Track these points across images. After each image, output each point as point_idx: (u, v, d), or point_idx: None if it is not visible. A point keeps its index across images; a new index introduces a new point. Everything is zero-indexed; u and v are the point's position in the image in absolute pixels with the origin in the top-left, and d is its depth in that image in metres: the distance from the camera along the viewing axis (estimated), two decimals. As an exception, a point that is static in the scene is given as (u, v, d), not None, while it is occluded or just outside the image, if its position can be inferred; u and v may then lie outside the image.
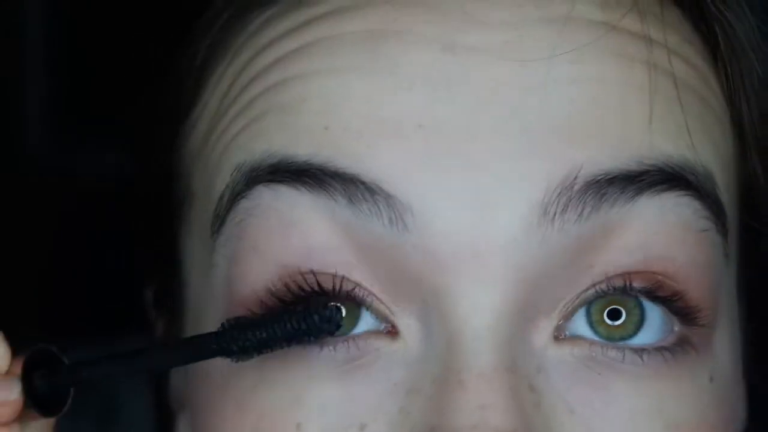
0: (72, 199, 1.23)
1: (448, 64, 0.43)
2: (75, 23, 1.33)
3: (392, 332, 0.44)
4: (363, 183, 0.43)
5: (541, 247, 0.43)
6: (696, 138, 0.45)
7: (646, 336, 0.45)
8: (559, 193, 0.43)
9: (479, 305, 0.43)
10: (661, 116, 0.45)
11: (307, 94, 0.44)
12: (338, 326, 0.43)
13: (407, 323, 0.44)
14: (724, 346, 0.47)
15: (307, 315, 0.42)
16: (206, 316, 0.47)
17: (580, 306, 0.45)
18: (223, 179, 0.46)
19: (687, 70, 0.46)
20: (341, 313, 0.44)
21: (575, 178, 0.43)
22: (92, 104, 1.23)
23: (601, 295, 0.44)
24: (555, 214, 0.43)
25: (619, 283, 0.44)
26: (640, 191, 0.44)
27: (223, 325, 0.43)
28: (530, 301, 0.43)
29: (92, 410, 0.89)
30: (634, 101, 0.44)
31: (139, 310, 0.57)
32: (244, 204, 0.45)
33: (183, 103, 0.49)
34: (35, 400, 0.44)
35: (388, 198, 0.43)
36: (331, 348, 0.44)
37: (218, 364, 0.45)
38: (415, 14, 0.44)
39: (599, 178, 0.43)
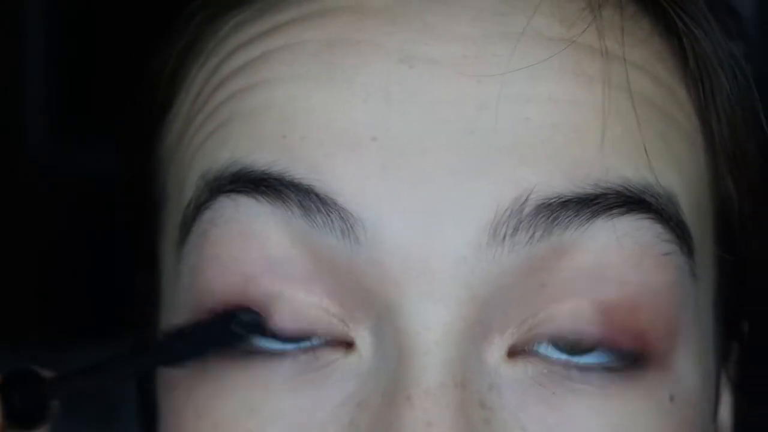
0: (72, 199, 1.23)
1: (404, 77, 0.43)
2: (75, 23, 1.33)
3: (348, 344, 0.44)
4: (317, 195, 0.43)
5: (491, 266, 0.42)
6: (657, 158, 0.45)
7: (602, 353, 0.44)
8: (509, 215, 0.42)
9: (429, 321, 0.42)
10: (620, 137, 0.44)
11: (268, 101, 0.44)
12: (262, 331, 0.43)
13: (362, 336, 0.44)
14: (688, 366, 0.46)
15: (231, 322, 0.43)
16: (174, 324, 0.47)
17: (537, 335, 0.44)
18: (189, 187, 0.46)
19: (652, 87, 0.45)
20: (263, 319, 0.44)
21: (526, 200, 0.42)
22: (92, 104, 1.24)
23: (554, 342, 0.44)
24: (505, 236, 0.42)
25: (571, 337, 0.44)
26: (595, 215, 0.43)
27: (157, 337, 0.44)
28: (481, 318, 0.43)
29: (91, 410, 0.89)
30: (591, 122, 0.43)
31: (139, 310, 0.58)
32: (207, 215, 0.45)
33: (159, 104, 0.49)
34: (15, 418, 0.44)
35: (341, 211, 0.43)
36: (287, 358, 0.44)
37: (183, 373, 0.45)
38: (376, 24, 0.44)
39: (551, 201, 0.42)
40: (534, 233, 0.42)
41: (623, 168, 0.44)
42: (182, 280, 0.46)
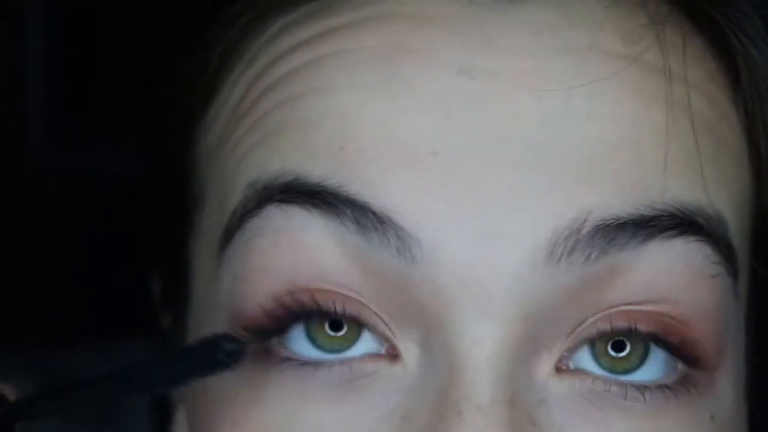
0: (72, 199, 1.23)
1: (464, 89, 0.43)
2: (75, 23, 1.33)
3: (392, 355, 0.44)
4: (373, 212, 0.42)
5: (546, 285, 0.43)
6: (710, 180, 0.45)
7: (649, 371, 0.45)
8: (567, 236, 0.42)
9: (481, 338, 0.42)
10: (676, 158, 0.44)
11: (322, 111, 0.44)
12: (239, 361, 0.43)
13: (408, 347, 0.44)
14: (727, 385, 0.46)
15: (214, 350, 0.43)
16: (208, 327, 0.47)
17: (583, 343, 0.44)
18: (236, 195, 0.45)
19: (707, 107, 0.45)
20: (245, 347, 0.44)
21: (584, 221, 0.42)
22: (92, 104, 1.23)
23: (604, 335, 0.44)
24: (561, 256, 0.42)
25: (623, 324, 0.44)
26: (650, 236, 0.43)
27: (129, 364, 0.44)
28: (533, 335, 0.43)
29: (90, 410, 0.89)
30: (650, 142, 0.43)
31: (139, 311, 0.57)
32: (254, 223, 0.44)
33: (198, 102, 0.49)
34: None
35: (398, 230, 0.42)
36: (328, 369, 0.44)
37: (216, 378, 0.45)
38: (435, 33, 0.43)
39: (609, 222, 0.43)
40: (590, 254, 0.43)
41: (678, 189, 0.44)
42: (222, 286, 0.45)
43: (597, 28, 0.44)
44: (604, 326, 0.44)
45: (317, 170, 0.43)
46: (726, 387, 0.46)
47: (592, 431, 0.43)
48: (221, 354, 0.43)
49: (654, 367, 0.45)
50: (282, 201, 0.43)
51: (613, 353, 0.45)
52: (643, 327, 0.44)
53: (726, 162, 0.46)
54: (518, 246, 0.42)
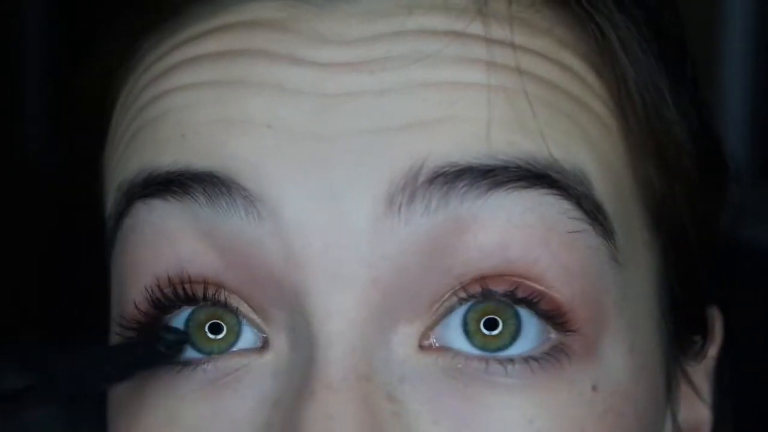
0: (72, 199, 1.23)
1: (296, 75, 0.45)
2: (75, 23, 1.34)
3: (263, 344, 0.45)
4: (218, 179, 0.44)
5: (390, 241, 0.43)
6: (566, 137, 0.45)
7: (521, 346, 0.44)
8: (404, 185, 0.43)
9: (333, 309, 0.42)
10: (524, 115, 0.45)
11: (167, 108, 0.47)
12: (181, 352, 0.44)
13: (277, 335, 0.44)
14: (616, 355, 0.45)
15: (156, 342, 0.44)
16: (114, 339, 0.48)
17: (445, 315, 0.44)
18: (109, 203, 0.48)
19: (558, 73, 0.46)
20: (187, 336, 0.45)
21: (420, 169, 0.43)
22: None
23: (463, 303, 0.44)
24: (401, 206, 0.42)
25: (476, 289, 0.44)
26: (493, 187, 0.43)
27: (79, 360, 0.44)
28: (387, 305, 0.43)
29: (85, 411, 0.89)
30: (492, 101, 0.44)
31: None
32: (126, 222, 0.46)
33: (100, 135, 0.52)
34: None
35: (242, 190, 0.44)
36: (198, 368, 0.45)
37: (118, 387, 0.46)
38: (268, 35, 0.46)
39: (445, 170, 0.43)
40: (429, 203, 0.43)
41: (526, 143, 0.44)
42: (113, 291, 0.47)
43: (426, 11, 0.46)
44: (460, 294, 0.44)
45: (166, 160, 0.45)
46: (613, 358, 0.45)
47: (457, 406, 0.43)
48: (162, 346, 0.44)
49: (526, 342, 0.44)
50: (145, 196, 0.46)
51: (485, 331, 0.44)
52: (497, 288, 0.44)
53: (588, 124, 0.46)
54: (357, 202, 0.43)
